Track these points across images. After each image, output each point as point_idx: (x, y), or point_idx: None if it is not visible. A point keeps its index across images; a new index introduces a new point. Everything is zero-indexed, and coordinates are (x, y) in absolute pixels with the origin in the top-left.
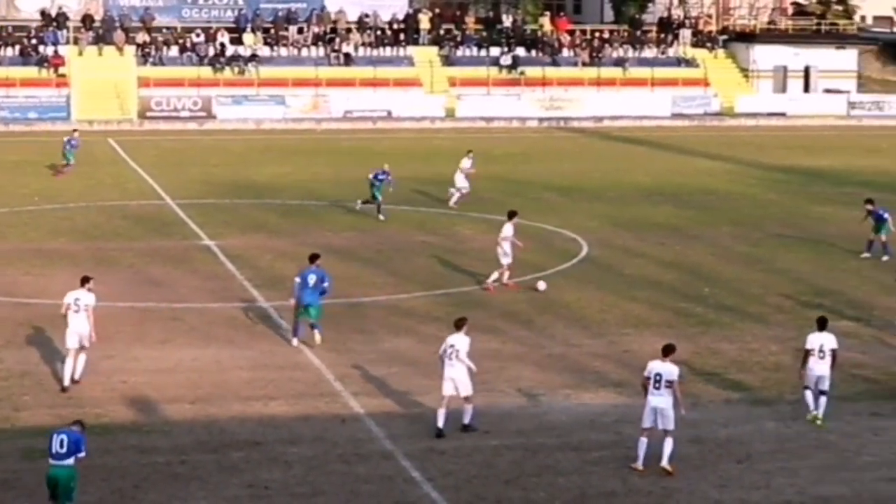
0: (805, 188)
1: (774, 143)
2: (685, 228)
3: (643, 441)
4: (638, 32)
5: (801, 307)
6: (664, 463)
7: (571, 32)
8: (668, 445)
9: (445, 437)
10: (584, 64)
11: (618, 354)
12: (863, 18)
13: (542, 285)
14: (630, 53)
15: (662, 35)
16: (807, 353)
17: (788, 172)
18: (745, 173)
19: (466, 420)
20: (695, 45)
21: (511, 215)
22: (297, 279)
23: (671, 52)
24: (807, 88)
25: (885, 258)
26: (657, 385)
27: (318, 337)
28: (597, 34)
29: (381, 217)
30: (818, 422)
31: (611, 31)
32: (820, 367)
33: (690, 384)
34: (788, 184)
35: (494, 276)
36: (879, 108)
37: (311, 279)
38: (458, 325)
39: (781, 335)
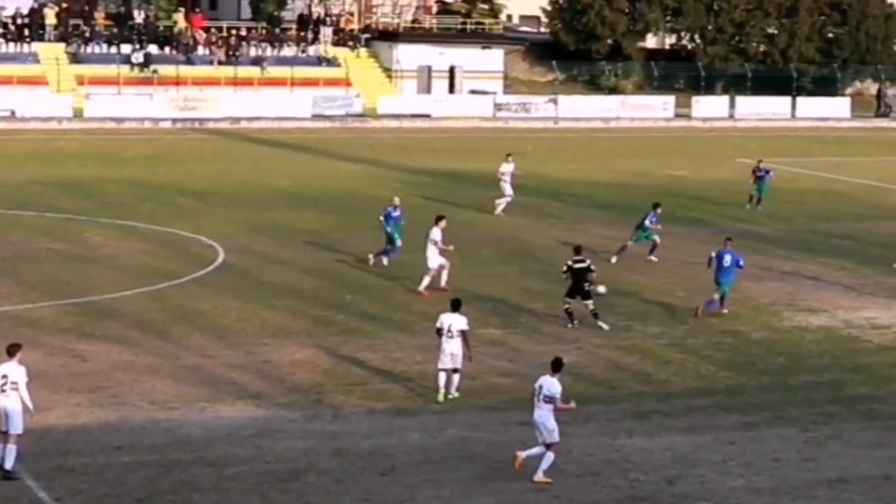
0: (451, 192)
1: (419, 146)
2: (327, 234)
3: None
4: (277, 30)
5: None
6: (538, 476)
7: (207, 29)
8: (545, 458)
9: (73, 455)
10: (220, 63)
11: (256, 365)
12: (509, 18)
13: (601, 289)
14: (268, 52)
15: (302, 33)
16: (438, 333)
17: (434, 176)
18: (390, 177)
19: (8, 465)
20: (336, 43)
21: (438, 219)
22: None
23: (312, 50)
24: (452, 89)
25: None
26: (538, 399)
27: None
28: (234, 31)
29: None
30: (449, 396)
31: (248, 29)
32: (451, 346)
33: (332, 394)
34: (434, 187)
35: (426, 281)
36: (526, 110)
37: None
38: (10, 351)
39: (427, 344)
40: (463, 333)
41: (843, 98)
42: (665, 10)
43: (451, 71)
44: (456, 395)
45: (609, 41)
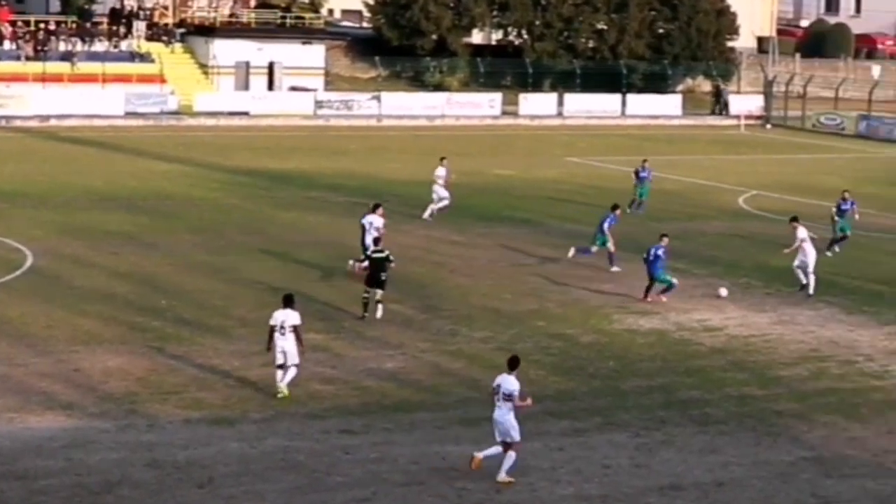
0: (270, 192)
1: (238, 145)
2: (141, 236)
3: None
4: (87, 24)
5: (265, 322)
6: (501, 476)
7: (14, 23)
8: (507, 458)
9: None
10: (27, 58)
11: (67, 373)
12: (330, 12)
13: (723, 292)
14: (79, 47)
15: (114, 27)
16: (271, 329)
17: (253, 176)
18: (206, 177)
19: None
20: (150, 38)
21: (375, 207)
22: None
23: (124, 45)
24: (271, 86)
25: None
26: (497, 398)
27: None
28: (42, 25)
29: None
30: (282, 394)
31: (57, 23)
32: (283, 343)
33: (146, 403)
34: (253, 188)
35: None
36: (348, 108)
37: None
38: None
39: (245, 349)
40: (295, 329)
41: (673, 95)
42: (491, 5)
43: (271, 67)
44: (285, 391)
45: (434, 37)
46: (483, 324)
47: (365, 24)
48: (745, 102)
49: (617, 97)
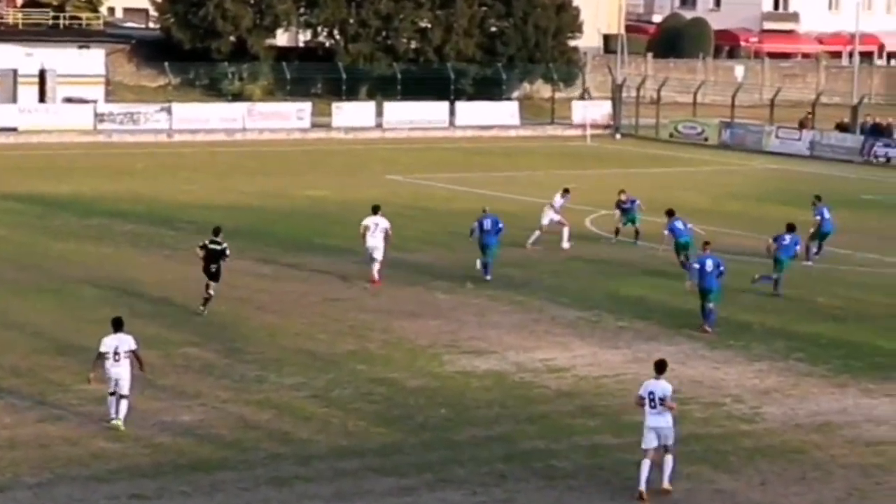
0: (43, 221)
1: (4, 165)
2: None
3: (646, 462)
4: None
5: (43, 369)
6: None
7: None
8: (669, 463)
9: None
10: None
11: None
12: (111, 11)
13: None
14: None
15: None
16: (99, 356)
17: (23, 201)
18: None
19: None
20: None
21: (375, 209)
22: None
23: None
24: (43, 97)
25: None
26: (653, 404)
27: None
28: None
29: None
30: (116, 426)
31: None
32: (117, 370)
33: None
34: (23, 215)
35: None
36: (133, 121)
37: None
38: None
39: (18, 404)
40: (134, 353)
41: (509, 102)
42: (298, 2)
43: (42, 75)
44: (121, 426)
45: (232, 38)
46: (294, 368)
47: (152, 25)
48: (591, 110)
49: (444, 105)
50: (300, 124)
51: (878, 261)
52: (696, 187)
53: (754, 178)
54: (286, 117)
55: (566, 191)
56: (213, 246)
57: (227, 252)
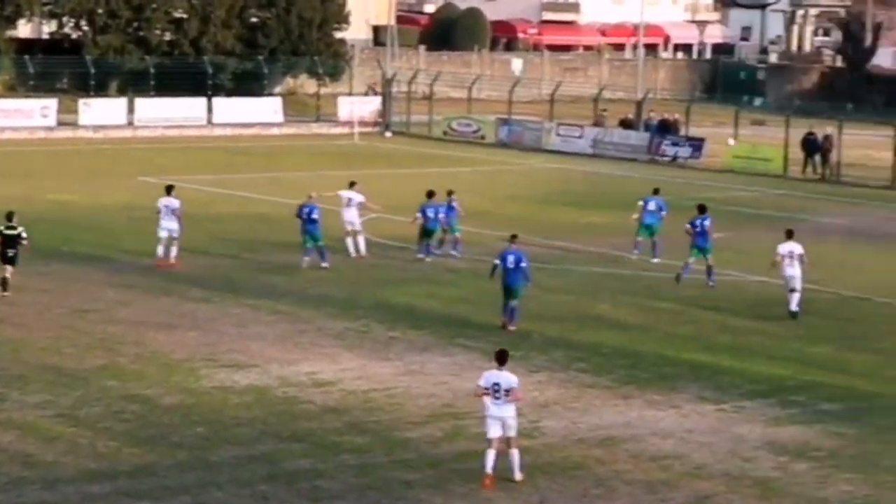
0: None
1: None
2: None
3: (491, 452)
4: None
5: None
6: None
7: None
8: (516, 455)
9: None
10: None
11: None
12: None
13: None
14: None
15: None
16: None
17: None
18: None
19: None
20: None
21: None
22: None
23: None
24: None
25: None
26: (497, 395)
27: None
28: None
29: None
30: None
31: None
32: None
33: None
34: None
35: None
36: None
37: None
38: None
39: None
40: None
41: (272, 98)
42: None
43: None
44: None
45: None
46: (39, 385)
47: None
48: (359, 106)
49: (202, 101)
50: (44, 122)
51: (663, 265)
52: (473, 189)
53: (535, 178)
54: (29, 115)
55: (352, 184)
56: (8, 231)
57: (24, 235)
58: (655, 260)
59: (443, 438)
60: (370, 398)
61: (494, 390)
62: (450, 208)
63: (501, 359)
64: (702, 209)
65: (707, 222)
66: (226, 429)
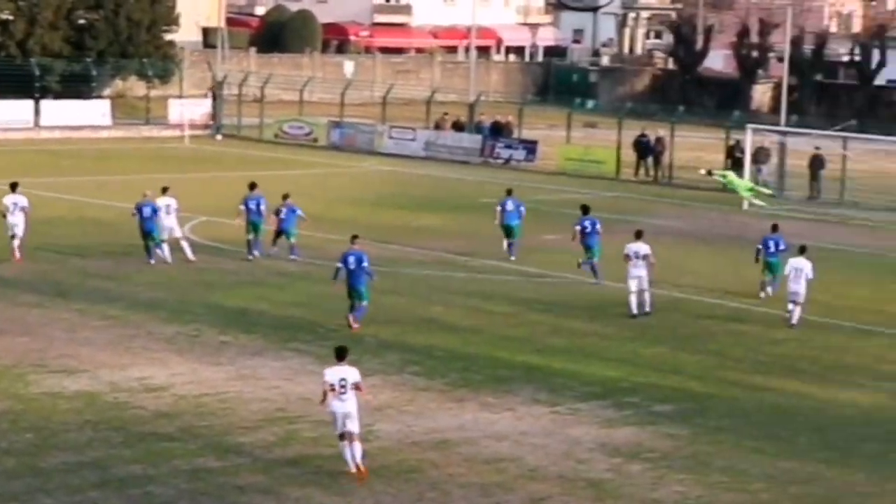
0: None
1: None
2: None
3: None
4: None
5: None
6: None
7: None
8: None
9: None
10: None
11: None
12: None
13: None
14: None
15: None
16: None
17: None
18: None
19: None
20: None
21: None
22: None
23: None
24: None
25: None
26: (343, 391)
27: None
28: None
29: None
30: None
31: None
32: None
33: None
34: None
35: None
36: None
37: None
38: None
39: None
40: None
41: (100, 101)
42: None
43: None
44: None
45: None
46: None
47: None
48: (189, 108)
49: (28, 104)
50: None
51: (496, 267)
52: (305, 191)
53: (367, 181)
54: None
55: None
56: None
57: None
58: (513, 258)
59: (276, 443)
60: (202, 403)
61: (341, 385)
62: (291, 211)
63: (341, 354)
64: (585, 209)
65: (596, 223)
66: (55, 435)
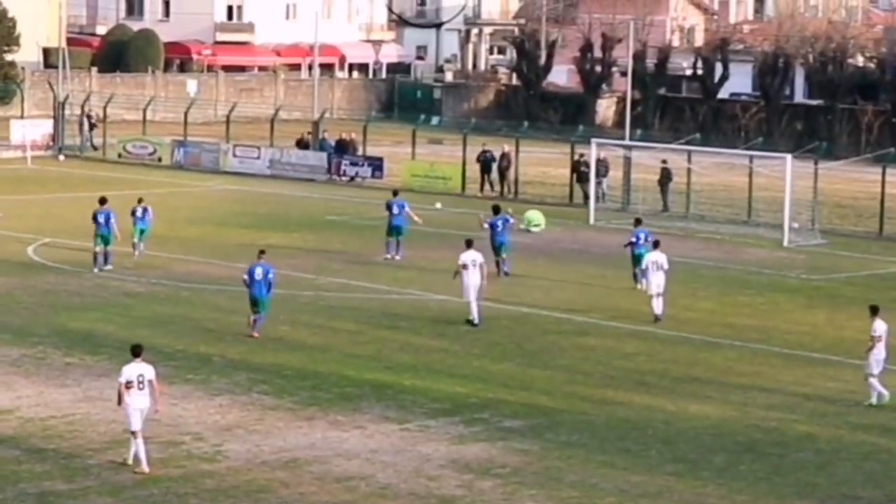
0: None
1: None
2: None
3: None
4: None
5: None
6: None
7: None
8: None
9: None
10: None
11: None
12: None
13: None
14: None
15: None
16: None
17: None
18: None
19: None
20: None
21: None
22: None
23: None
24: None
25: None
26: (141, 386)
27: None
28: None
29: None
30: None
31: None
32: None
33: None
34: None
35: None
36: None
37: None
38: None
39: None
40: None
41: None
42: None
43: None
44: None
45: None
46: None
47: None
48: (32, 129)
49: None
50: None
51: (343, 285)
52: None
53: (212, 200)
54: None
55: None
56: None
57: None
58: (398, 258)
59: (123, 464)
60: (49, 425)
61: (139, 381)
62: (144, 211)
63: (137, 352)
64: (496, 209)
65: (507, 222)
66: None
